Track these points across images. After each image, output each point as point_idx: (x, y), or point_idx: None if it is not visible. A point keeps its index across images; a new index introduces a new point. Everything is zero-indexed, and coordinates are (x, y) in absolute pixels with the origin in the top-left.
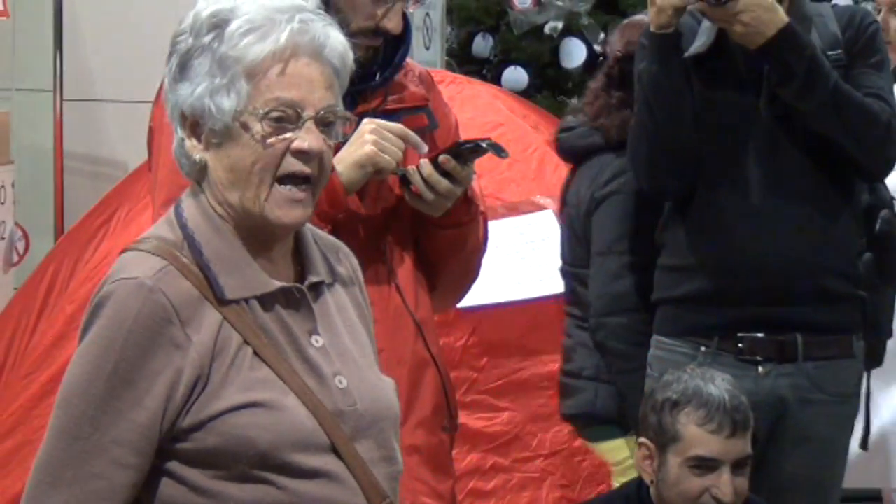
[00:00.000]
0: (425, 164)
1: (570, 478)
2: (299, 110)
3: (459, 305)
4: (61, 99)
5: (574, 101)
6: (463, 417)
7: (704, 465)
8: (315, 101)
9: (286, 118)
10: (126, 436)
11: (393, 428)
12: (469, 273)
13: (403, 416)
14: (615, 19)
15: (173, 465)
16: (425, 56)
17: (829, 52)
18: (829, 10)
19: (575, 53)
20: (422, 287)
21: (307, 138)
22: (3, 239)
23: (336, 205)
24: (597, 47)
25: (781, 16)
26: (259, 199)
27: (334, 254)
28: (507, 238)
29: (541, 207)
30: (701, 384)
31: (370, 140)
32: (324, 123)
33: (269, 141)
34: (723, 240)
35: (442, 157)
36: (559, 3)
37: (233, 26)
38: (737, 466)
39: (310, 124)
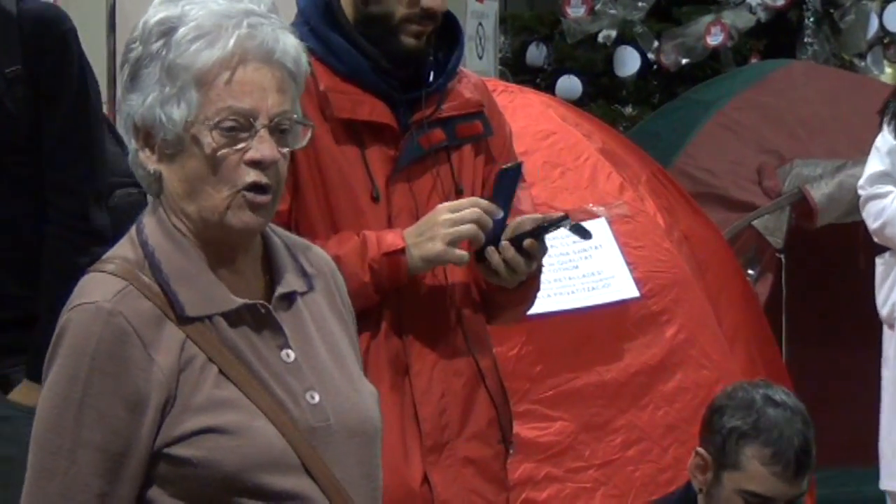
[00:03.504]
0: (507, 247)
1: (623, 488)
2: (251, 119)
3: None
4: (115, 109)
5: (629, 109)
6: (516, 427)
7: (759, 500)
8: (268, 108)
9: (238, 127)
10: (104, 466)
11: (372, 442)
12: (527, 310)
13: (458, 428)
14: (669, 27)
15: (153, 493)
16: (479, 65)
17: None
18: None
19: (629, 62)
20: (475, 300)
21: (260, 148)
22: None
23: (396, 283)
24: (650, 55)
25: None
26: (217, 209)
27: (308, 257)
28: (561, 247)
29: (594, 216)
30: (772, 416)
31: (441, 235)
32: (278, 130)
33: (220, 153)
34: None
35: (527, 242)
36: (613, 12)
37: (180, 33)
38: (788, 503)
39: (263, 132)
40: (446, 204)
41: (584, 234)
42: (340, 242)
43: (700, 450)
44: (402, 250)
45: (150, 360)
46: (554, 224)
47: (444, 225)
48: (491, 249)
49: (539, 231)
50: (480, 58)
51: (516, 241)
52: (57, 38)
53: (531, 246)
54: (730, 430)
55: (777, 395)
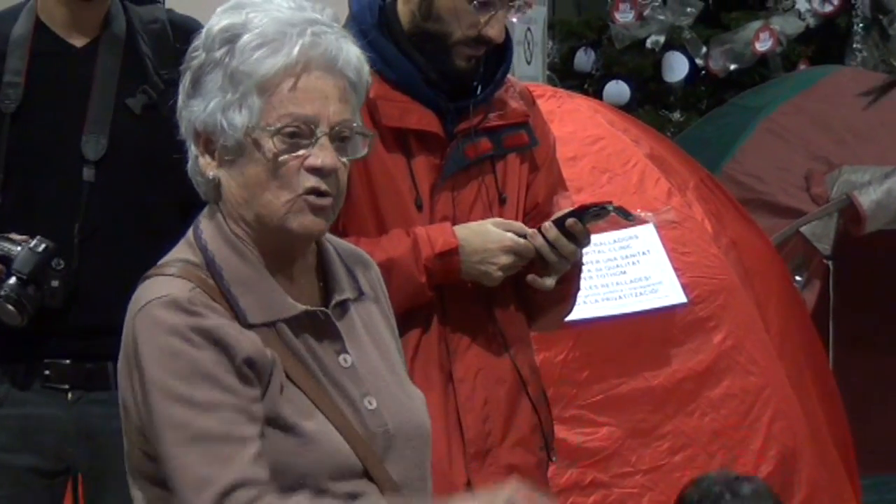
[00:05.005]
0: (551, 227)
1: (670, 494)
2: (313, 126)
3: None
4: None
5: (676, 114)
6: (562, 432)
7: None
8: (329, 116)
9: (299, 133)
10: (233, 416)
11: (426, 446)
12: (567, 310)
13: (501, 436)
14: (717, 33)
15: None
16: (527, 71)
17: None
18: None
19: (677, 67)
20: (516, 307)
21: (321, 155)
22: None
23: (450, 280)
24: (699, 61)
25: None
26: (277, 213)
27: (358, 265)
28: (608, 252)
29: (642, 221)
30: None
31: (494, 274)
32: (339, 139)
33: (281, 159)
34: None
35: (569, 221)
36: (661, 17)
37: (244, 40)
38: None
39: (324, 140)
40: (511, 236)
41: (628, 216)
42: (391, 243)
43: None
44: (456, 249)
45: (241, 331)
46: (595, 208)
47: (499, 265)
48: (533, 232)
49: (579, 213)
50: (529, 63)
51: (557, 223)
52: None
53: (573, 225)
54: None
55: (744, 489)
